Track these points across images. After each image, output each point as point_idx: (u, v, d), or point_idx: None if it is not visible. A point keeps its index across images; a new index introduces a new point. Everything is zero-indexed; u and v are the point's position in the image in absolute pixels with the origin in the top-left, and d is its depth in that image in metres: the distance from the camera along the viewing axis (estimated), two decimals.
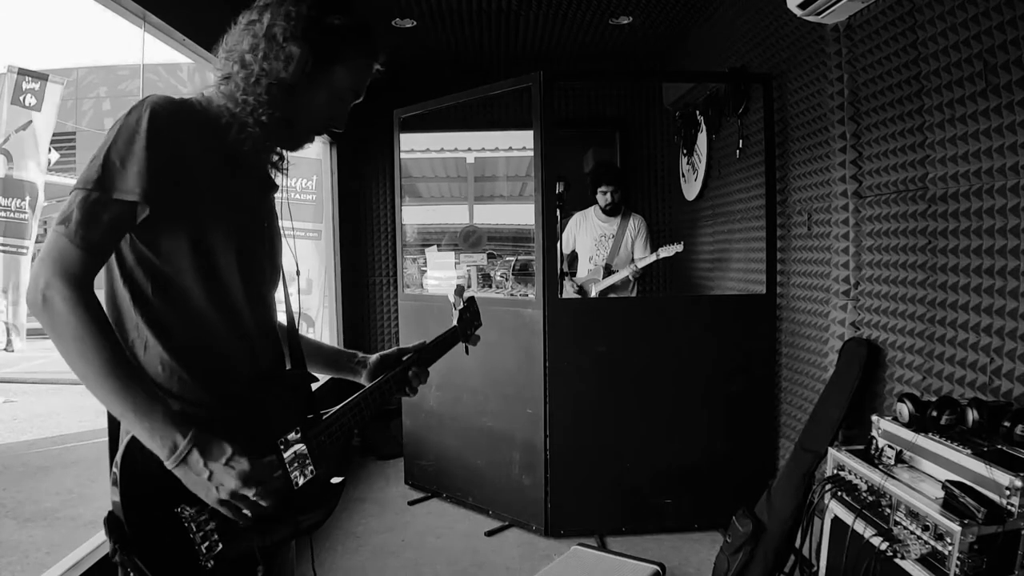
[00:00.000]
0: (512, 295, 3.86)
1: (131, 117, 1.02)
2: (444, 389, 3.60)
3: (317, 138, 4.85)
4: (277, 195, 1.30)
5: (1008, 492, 1.34)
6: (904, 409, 1.68)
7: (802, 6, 2.30)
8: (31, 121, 4.99)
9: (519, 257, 4.50)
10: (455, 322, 1.58)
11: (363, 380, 1.39)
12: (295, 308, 1.31)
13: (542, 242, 3.08)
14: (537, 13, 3.89)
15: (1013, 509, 1.34)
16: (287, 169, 1.27)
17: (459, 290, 1.64)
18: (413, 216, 5.46)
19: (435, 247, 4.63)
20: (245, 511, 1.04)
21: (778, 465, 3.15)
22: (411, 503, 3.61)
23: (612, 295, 3.99)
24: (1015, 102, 1.72)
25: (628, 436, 3.13)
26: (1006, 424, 1.51)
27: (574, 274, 4.22)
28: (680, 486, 3.14)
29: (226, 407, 1.11)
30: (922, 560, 1.44)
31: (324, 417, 1.23)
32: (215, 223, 1.10)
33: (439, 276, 4.10)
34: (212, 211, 1.10)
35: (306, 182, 4.81)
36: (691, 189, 4.36)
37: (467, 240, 5.00)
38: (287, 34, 1.10)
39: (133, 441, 1.00)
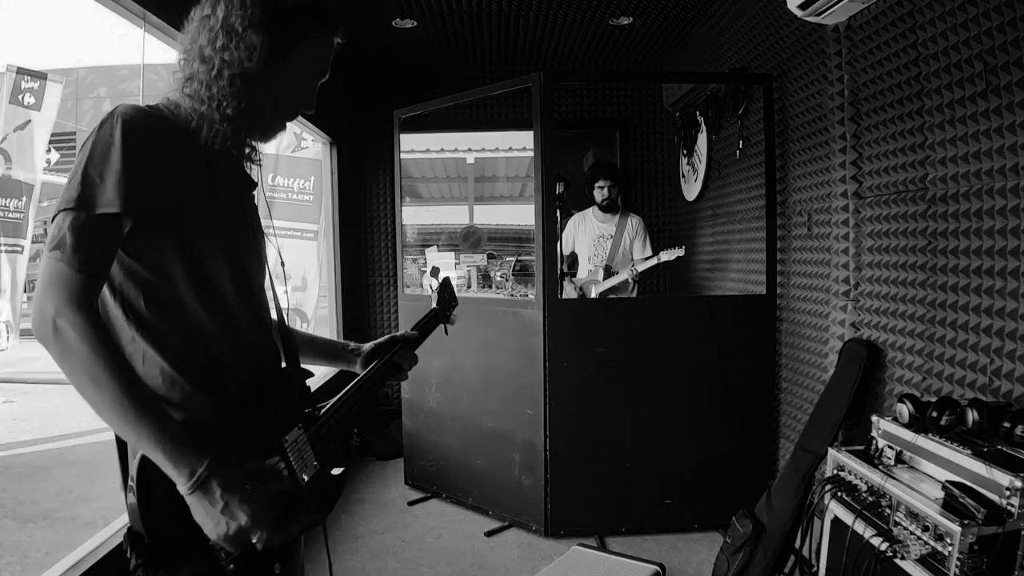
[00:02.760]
0: (512, 295, 3.86)
1: (103, 130, 1.01)
2: (444, 389, 3.60)
3: (317, 138, 4.80)
4: (259, 191, 1.29)
5: (1008, 493, 1.35)
6: (904, 410, 1.68)
7: (802, 7, 2.30)
8: (29, 121, 4.99)
9: (519, 257, 4.50)
10: (434, 303, 1.59)
11: (358, 369, 1.40)
12: (283, 303, 1.31)
13: (542, 242, 3.08)
14: (537, 13, 3.89)
15: (1013, 510, 1.34)
16: (260, 161, 1.25)
17: (435, 271, 1.67)
18: (413, 216, 5.46)
19: (435, 247, 4.63)
20: (243, 549, 1.02)
21: (778, 465, 3.15)
22: (411, 503, 3.61)
23: (612, 296, 3.99)
24: (1015, 103, 1.72)
25: (628, 437, 3.13)
26: (1006, 425, 1.51)
27: (574, 275, 4.22)
28: (680, 486, 3.14)
29: (229, 411, 1.11)
30: (922, 560, 1.44)
31: (322, 411, 1.24)
32: (200, 226, 1.09)
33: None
34: (195, 215, 1.08)
35: (303, 182, 4.81)
36: (691, 190, 4.36)
37: (467, 240, 5.00)
38: (245, 22, 1.08)
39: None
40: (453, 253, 4.32)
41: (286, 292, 1.33)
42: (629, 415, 3.13)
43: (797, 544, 2.35)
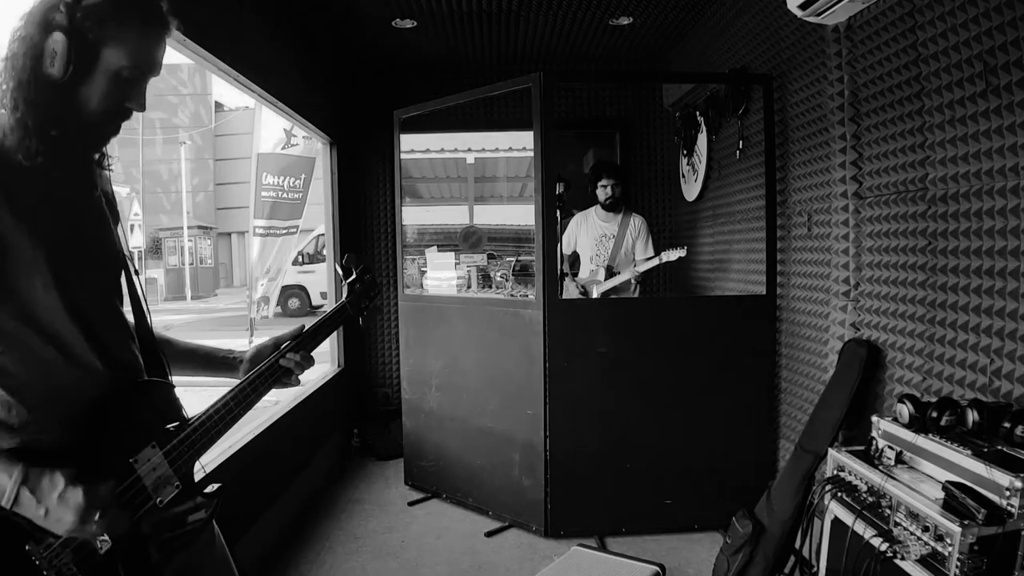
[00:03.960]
0: (512, 296, 3.86)
1: None
2: (444, 389, 3.60)
3: (317, 138, 4.78)
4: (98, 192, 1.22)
5: (1008, 493, 1.34)
6: (904, 410, 1.68)
7: (802, 7, 2.30)
8: None
9: (519, 258, 4.50)
10: (345, 295, 1.47)
11: (240, 376, 1.32)
12: (151, 321, 1.25)
13: (542, 243, 3.08)
14: (537, 13, 3.89)
15: (1013, 510, 1.34)
16: (111, 165, 1.20)
17: (349, 260, 1.51)
18: (413, 216, 5.46)
19: (435, 247, 4.62)
20: (99, 538, 1.01)
21: (778, 466, 3.15)
22: (411, 504, 3.61)
23: (613, 296, 3.99)
24: (1015, 103, 1.72)
25: (628, 437, 3.13)
26: (1006, 425, 1.51)
27: (575, 274, 4.22)
28: (680, 487, 3.14)
29: (70, 433, 1.07)
30: (922, 561, 1.44)
31: (189, 424, 1.18)
32: (24, 249, 1.03)
33: (439, 276, 4.10)
34: (19, 237, 1.02)
35: (294, 180, 4.81)
36: (691, 190, 4.36)
37: (467, 240, 5.00)
38: (44, 28, 1.02)
39: None
40: (453, 253, 4.32)
41: (145, 305, 1.28)
42: (629, 415, 3.13)
43: (797, 544, 2.35)
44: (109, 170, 1.21)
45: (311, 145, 4.77)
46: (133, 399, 1.17)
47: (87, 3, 1.04)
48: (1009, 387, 1.76)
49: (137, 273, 1.25)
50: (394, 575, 2.86)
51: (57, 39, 1.02)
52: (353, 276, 1.49)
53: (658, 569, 2.30)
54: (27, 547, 0.99)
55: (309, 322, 1.40)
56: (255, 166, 4.86)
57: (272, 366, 1.31)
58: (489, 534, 3.23)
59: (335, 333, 4.51)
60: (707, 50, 4.00)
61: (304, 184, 4.89)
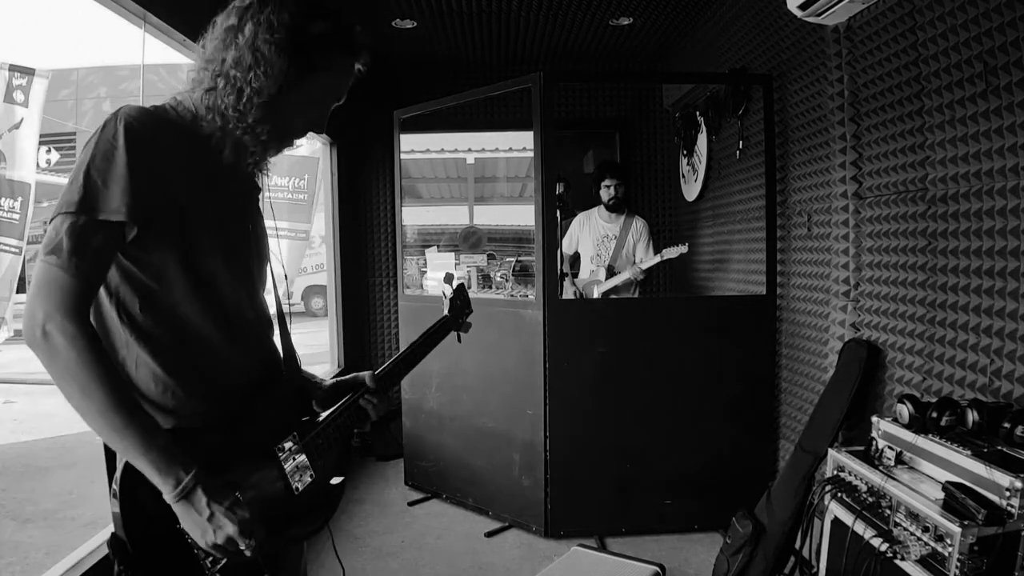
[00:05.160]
0: (512, 296, 3.86)
1: (106, 132, 0.99)
2: (444, 390, 3.60)
3: (316, 138, 4.78)
4: (264, 194, 1.29)
5: (1008, 493, 1.34)
6: (904, 410, 1.68)
7: (802, 7, 2.30)
8: (23, 119, 4.96)
9: (519, 258, 4.50)
10: (446, 311, 1.56)
11: (315, 404, 1.33)
12: (285, 308, 1.30)
13: (542, 243, 3.08)
14: (537, 14, 3.89)
15: (1013, 510, 1.33)
16: (269, 171, 1.25)
17: (448, 278, 1.61)
18: (413, 217, 5.46)
19: (435, 247, 4.63)
20: (234, 556, 1.02)
21: (778, 466, 3.15)
22: (411, 504, 3.61)
23: (613, 296, 3.99)
24: (1015, 103, 1.72)
25: (628, 437, 3.13)
26: (1006, 425, 1.51)
27: (576, 275, 4.22)
28: (680, 487, 3.14)
29: (223, 418, 1.10)
30: (922, 561, 1.44)
31: (320, 419, 1.22)
32: (201, 233, 1.08)
33: (439, 277, 4.10)
34: (197, 221, 1.07)
35: (299, 181, 4.81)
36: (691, 190, 4.36)
37: (467, 241, 5.00)
38: (271, 46, 1.06)
39: None
40: (453, 253, 4.32)
41: (288, 296, 1.31)
42: (629, 415, 3.12)
43: (797, 545, 2.35)
44: (267, 174, 1.26)
45: (312, 144, 4.76)
46: (279, 388, 1.21)
47: (313, 31, 1.08)
48: (1009, 387, 1.76)
49: (269, 266, 1.29)
50: (394, 575, 2.86)
51: (280, 60, 1.06)
52: (454, 293, 1.58)
53: (658, 569, 2.30)
54: (179, 525, 0.99)
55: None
56: None
57: (352, 405, 1.31)
58: (489, 534, 3.23)
59: (335, 332, 4.51)
60: (707, 50, 4.00)
61: (308, 184, 4.88)
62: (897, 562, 1.48)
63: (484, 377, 3.41)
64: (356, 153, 4.82)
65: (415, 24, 4.02)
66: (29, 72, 4.97)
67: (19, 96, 4.95)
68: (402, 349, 1.45)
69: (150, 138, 1.01)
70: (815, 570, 1.94)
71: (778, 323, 3.17)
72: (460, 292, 1.60)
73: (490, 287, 4.20)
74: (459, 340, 1.61)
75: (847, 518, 1.70)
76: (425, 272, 4.23)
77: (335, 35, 1.12)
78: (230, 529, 0.99)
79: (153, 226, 1.02)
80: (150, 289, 1.05)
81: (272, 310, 1.28)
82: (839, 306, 2.59)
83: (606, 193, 4.03)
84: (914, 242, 2.17)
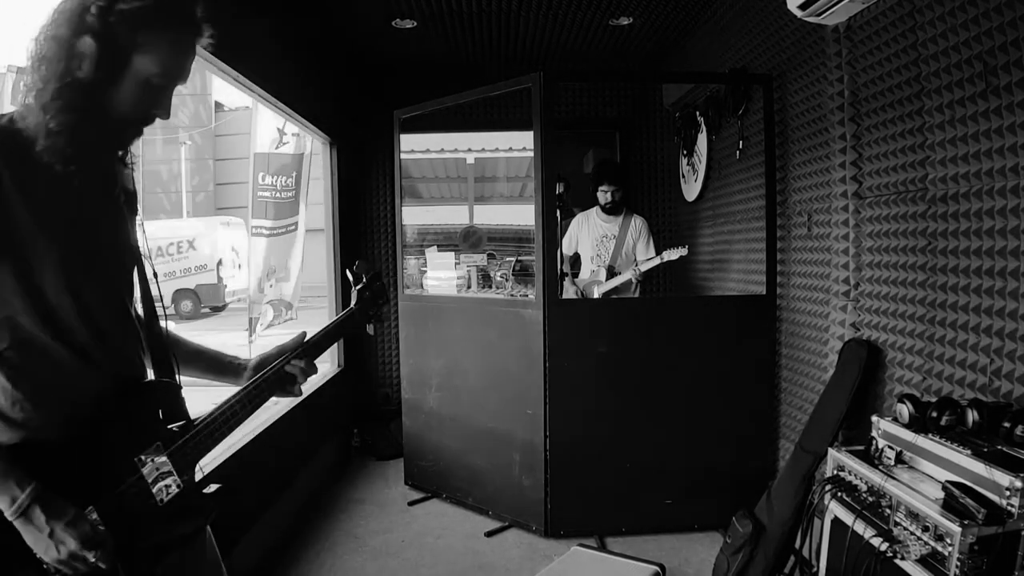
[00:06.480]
0: (512, 295, 3.86)
1: None
2: (444, 389, 3.60)
3: (316, 138, 4.77)
4: (132, 188, 1.23)
5: (1008, 493, 1.34)
6: (904, 410, 1.68)
7: (802, 7, 2.30)
8: None
9: (519, 257, 4.50)
10: (353, 302, 1.48)
11: (243, 383, 1.31)
12: (160, 311, 1.25)
13: (542, 243, 3.08)
14: (537, 14, 3.89)
15: (1013, 510, 1.34)
16: (134, 164, 1.20)
17: (359, 267, 1.51)
18: (413, 216, 5.46)
19: (435, 247, 4.63)
20: (83, 569, 1.01)
21: (778, 466, 3.15)
22: (411, 503, 3.61)
23: (614, 296, 3.99)
24: (1015, 103, 1.72)
25: (628, 437, 3.13)
26: (1006, 425, 1.51)
27: (576, 275, 4.22)
28: (680, 487, 3.14)
29: (75, 430, 1.07)
30: (922, 561, 1.44)
31: (194, 425, 1.19)
32: (40, 247, 1.04)
33: (439, 276, 4.10)
34: (36, 237, 1.03)
35: (286, 179, 4.80)
36: (691, 190, 4.36)
37: (467, 240, 5.00)
38: (75, 30, 1.01)
39: None
40: (453, 253, 4.32)
41: (160, 302, 1.28)
42: (629, 415, 3.13)
43: (797, 544, 2.35)
44: (132, 167, 1.21)
45: (301, 142, 4.75)
46: (139, 398, 1.18)
47: (121, 7, 1.02)
48: (1009, 387, 1.76)
49: (151, 271, 1.25)
50: (394, 575, 2.86)
51: (87, 43, 1.01)
52: (363, 283, 1.49)
53: (658, 569, 2.30)
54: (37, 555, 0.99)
55: (311, 331, 1.40)
56: (252, 166, 4.87)
57: (277, 372, 1.31)
58: (489, 534, 3.23)
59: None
60: (707, 50, 4.00)
61: (296, 182, 4.88)
62: (897, 562, 1.48)
63: (484, 377, 3.41)
64: (356, 153, 4.82)
65: (415, 24, 4.02)
66: None
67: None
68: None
69: None
70: (815, 570, 1.94)
71: (778, 323, 3.17)
72: (373, 281, 1.51)
73: (490, 287, 4.20)
74: (371, 332, 1.54)
75: (847, 518, 1.70)
76: (425, 272, 4.23)
77: (147, 12, 1.04)
78: (71, 545, 0.98)
79: None
80: None
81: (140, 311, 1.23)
82: (839, 306, 2.59)
83: (603, 197, 4.03)
84: (914, 242, 2.17)
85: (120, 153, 1.17)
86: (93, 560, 1.00)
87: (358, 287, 1.49)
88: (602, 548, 2.94)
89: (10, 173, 1.01)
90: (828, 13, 2.28)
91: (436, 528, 3.31)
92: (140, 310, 1.24)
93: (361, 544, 3.13)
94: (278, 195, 4.79)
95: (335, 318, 1.46)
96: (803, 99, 2.90)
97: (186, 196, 22.20)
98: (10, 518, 0.97)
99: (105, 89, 1.05)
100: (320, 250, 4.57)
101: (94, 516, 1.04)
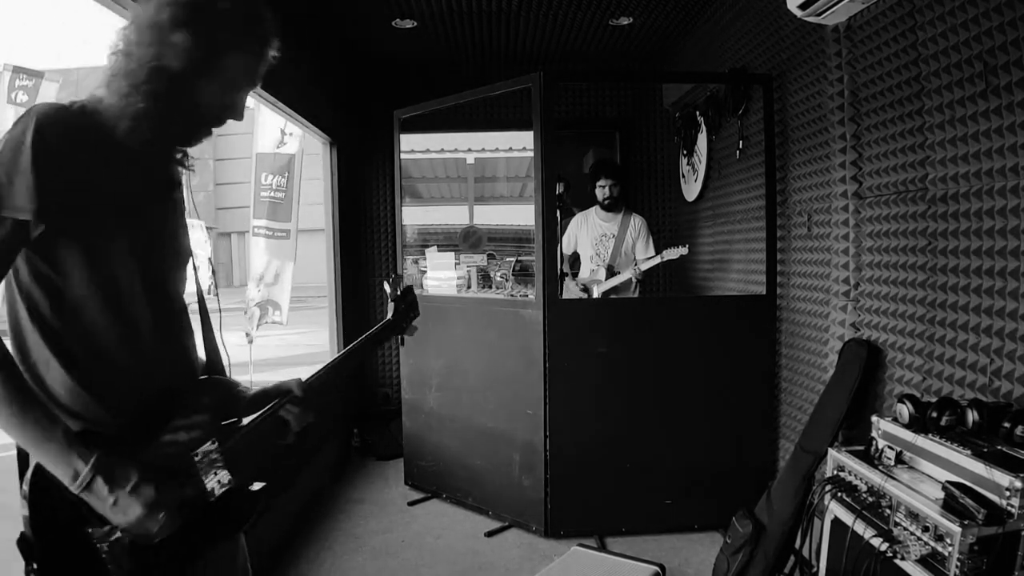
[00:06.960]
0: (512, 295, 3.86)
1: (15, 130, 0.98)
2: (444, 389, 3.60)
3: (316, 138, 4.76)
4: (186, 191, 1.26)
5: (1008, 493, 1.34)
6: (904, 410, 1.68)
7: (802, 7, 2.30)
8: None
9: (519, 257, 4.50)
10: (390, 314, 1.54)
11: (240, 411, 1.28)
12: (214, 309, 1.29)
13: (542, 243, 3.08)
14: (537, 13, 3.89)
15: (1013, 510, 1.33)
16: (191, 166, 1.22)
17: (395, 280, 1.59)
18: (413, 216, 5.46)
19: (435, 247, 4.63)
20: (153, 533, 1.03)
21: (778, 466, 3.15)
22: (411, 504, 3.61)
23: (614, 296, 3.99)
24: (1015, 103, 1.72)
25: (628, 436, 3.13)
26: (1006, 425, 1.51)
27: (576, 274, 4.22)
28: (680, 487, 3.14)
29: (133, 423, 1.08)
30: (922, 561, 1.44)
31: (243, 423, 1.20)
32: (112, 232, 1.06)
33: (439, 276, 4.10)
34: (108, 219, 1.06)
35: (279, 179, 4.80)
36: (691, 190, 4.36)
37: (467, 240, 5.00)
38: (172, 22, 1.04)
39: None
40: (453, 253, 4.32)
41: (216, 295, 1.30)
42: (629, 415, 3.12)
43: (797, 544, 2.35)
44: (190, 170, 1.24)
45: (295, 142, 4.76)
46: (197, 393, 1.19)
47: (221, 7, 1.06)
48: (1009, 387, 1.76)
49: (197, 270, 1.27)
50: (394, 575, 2.86)
51: (183, 36, 1.04)
52: (398, 295, 1.56)
53: (658, 569, 2.31)
54: (89, 530, 1.00)
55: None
56: (255, 166, 4.87)
57: (268, 418, 1.26)
58: (489, 534, 3.23)
59: (335, 332, 4.51)
60: (707, 50, 4.00)
61: (288, 182, 4.88)
62: (897, 562, 1.48)
63: (484, 377, 3.41)
64: (356, 153, 4.82)
65: (415, 24, 4.02)
66: (37, 75, 4.97)
67: (22, 97, 4.94)
68: (337, 353, 1.43)
69: (59, 137, 1.00)
70: (815, 570, 1.94)
71: (778, 323, 3.17)
72: (407, 294, 1.58)
73: (490, 287, 4.20)
74: (402, 342, 1.61)
75: (847, 518, 1.70)
76: (425, 272, 4.23)
77: (242, 16, 1.09)
78: (137, 510, 1.00)
79: (61, 224, 1.01)
80: (59, 289, 1.04)
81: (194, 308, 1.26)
82: (839, 306, 2.59)
83: (601, 193, 4.03)
84: (914, 242, 2.17)
85: (180, 155, 1.20)
86: (160, 523, 1.02)
87: (394, 299, 1.56)
88: (602, 548, 2.94)
89: (92, 153, 1.04)
90: (828, 13, 2.28)
91: (436, 528, 3.31)
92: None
93: (361, 544, 3.13)
94: (274, 195, 4.80)
95: (369, 331, 1.49)
96: (803, 99, 2.90)
97: (186, 196, 22.19)
98: (75, 492, 0.98)
99: (193, 83, 1.08)
100: (320, 250, 4.57)
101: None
